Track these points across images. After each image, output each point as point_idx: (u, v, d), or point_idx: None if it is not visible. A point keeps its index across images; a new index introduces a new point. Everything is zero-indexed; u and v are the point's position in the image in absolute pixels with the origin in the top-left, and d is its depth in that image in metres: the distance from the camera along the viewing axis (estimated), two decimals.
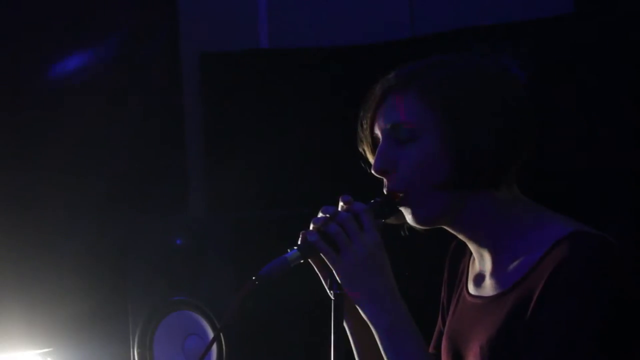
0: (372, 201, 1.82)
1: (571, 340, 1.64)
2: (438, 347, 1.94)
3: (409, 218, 1.81)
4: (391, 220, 1.84)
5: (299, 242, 1.79)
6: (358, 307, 1.80)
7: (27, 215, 3.43)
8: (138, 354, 3.19)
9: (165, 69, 3.78)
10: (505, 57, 1.82)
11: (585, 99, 3.25)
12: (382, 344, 1.79)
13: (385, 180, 1.82)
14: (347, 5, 4.05)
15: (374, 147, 1.85)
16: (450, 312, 1.93)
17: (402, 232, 1.86)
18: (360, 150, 1.89)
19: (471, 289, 1.87)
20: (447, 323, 1.92)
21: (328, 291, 1.82)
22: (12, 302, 3.33)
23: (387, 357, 1.79)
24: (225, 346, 3.01)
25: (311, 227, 1.80)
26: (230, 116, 3.88)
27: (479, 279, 1.85)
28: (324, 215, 1.81)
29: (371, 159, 1.85)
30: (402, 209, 1.81)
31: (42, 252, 3.42)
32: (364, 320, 1.81)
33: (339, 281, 1.79)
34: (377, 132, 1.83)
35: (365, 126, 1.85)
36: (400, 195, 1.80)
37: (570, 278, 1.65)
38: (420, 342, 1.81)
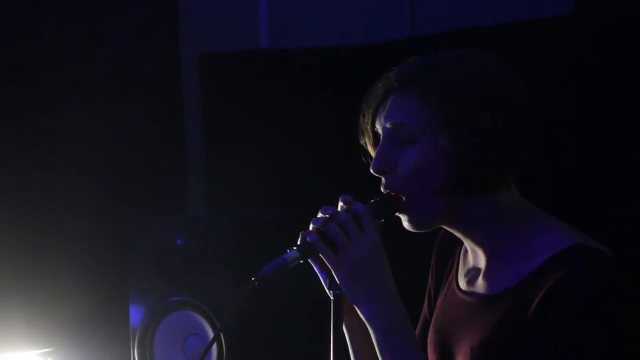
0: (372, 201, 1.82)
1: (569, 354, 1.64)
2: (423, 336, 1.93)
3: (405, 224, 1.81)
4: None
5: (298, 243, 1.79)
6: (356, 308, 1.80)
7: (27, 215, 3.43)
8: (138, 354, 3.19)
9: (165, 69, 3.78)
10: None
11: (586, 99, 3.25)
12: (378, 345, 1.79)
13: (383, 179, 1.82)
14: (347, 5, 4.05)
15: (374, 141, 1.85)
16: (438, 304, 1.92)
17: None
18: (362, 143, 1.88)
19: (462, 283, 1.87)
20: (434, 314, 1.92)
21: (327, 291, 1.82)
22: (12, 302, 3.33)
23: (383, 358, 1.79)
24: (225, 346, 3.01)
25: (310, 228, 1.80)
26: (230, 116, 3.88)
27: (471, 275, 1.85)
28: (323, 216, 1.81)
29: (372, 152, 1.85)
30: (400, 214, 1.81)
31: (42, 252, 3.42)
32: (362, 321, 1.81)
33: (338, 281, 1.79)
34: (378, 127, 1.83)
35: (366, 120, 1.85)
36: (401, 197, 1.79)
37: (569, 293, 1.65)
38: (416, 344, 1.81)
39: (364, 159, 1.88)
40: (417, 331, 1.97)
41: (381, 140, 1.81)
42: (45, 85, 3.50)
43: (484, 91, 1.75)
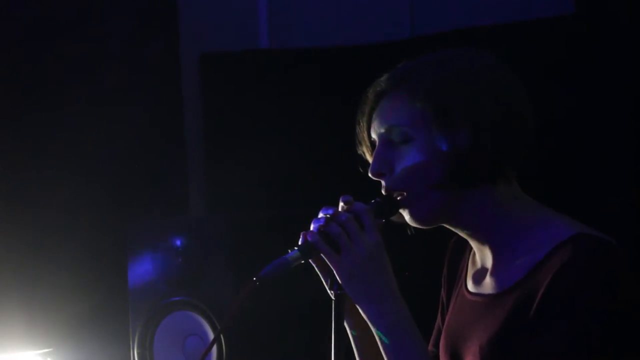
0: (373, 201, 1.83)
1: (574, 344, 1.64)
2: (437, 345, 1.94)
3: (407, 218, 1.82)
4: (396, 218, 1.85)
5: (299, 243, 1.80)
6: (358, 307, 1.80)
7: (27, 215, 3.43)
8: (138, 354, 3.19)
9: (165, 69, 3.78)
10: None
11: (585, 99, 3.25)
12: (381, 344, 1.79)
13: (382, 182, 1.83)
14: (347, 5, 4.05)
15: (372, 149, 1.86)
16: (450, 309, 1.93)
17: (408, 231, 1.86)
18: (360, 152, 1.90)
19: (470, 286, 1.87)
20: (445, 320, 1.92)
21: (329, 291, 1.82)
22: (12, 302, 3.33)
23: (387, 358, 1.79)
24: (225, 346, 3.01)
25: (312, 228, 1.81)
26: (230, 116, 3.88)
27: (479, 276, 1.85)
28: (324, 216, 1.81)
29: (371, 161, 1.86)
30: (401, 209, 1.81)
31: (42, 252, 3.42)
32: (365, 320, 1.81)
33: (340, 281, 1.79)
34: (374, 134, 1.84)
35: (362, 129, 1.86)
36: (399, 197, 1.80)
37: (572, 282, 1.66)
38: (420, 342, 1.81)
39: (361, 169, 1.89)
40: (432, 341, 1.98)
41: (377, 145, 1.82)
42: (45, 85, 3.50)
43: (473, 86, 1.76)
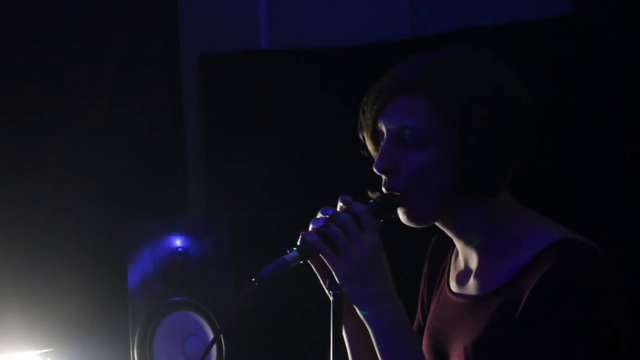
0: (371, 201, 1.82)
1: (557, 349, 1.64)
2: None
3: (402, 217, 1.81)
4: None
5: (298, 243, 1.79)
6: (356, 308, 1.80)
7: (27, 215, 3.43)
8: (138, 354, 3.19)
9: (165, 69, 3.78)
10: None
11: (585, 99, 3.25)
12: (378, 345, 1.79)
13: (384, 177, 1.81)
14: (347, 5, 4.05)
15: (374, 136, 1.83)
16: (432, 308, 1.93)
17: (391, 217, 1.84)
18: (360, 137, 1.87)
19: (453, 286, 1.87)
20: (428, 319, 1.92)
21: (327, 292, 1.82)
22: (12, 302, 3.33)
23: (383, 358, 1.79)
24: (225, 346, 3.02)
25: (310, 228, 1.80)
26: (230, 116, 3.88)
27: (463, 277, 1.85)
28: (323, 216, 1.80)
29: (370, 147, 1.85)
30: (398, 208, 1.81)
31: (42, 252, 3.42)
32: (361, 321, 1.81)
33: (338, 282, 1.79)
34: (381, 126, 1.81)
35: (368, 115, 1.82)
36: (397, 194, 1.80)
37: (556, 287, 1.66)
38: (417, 344, 1.81)
39: (362, 152, 1.87)
40: None
41: (385, 140, 1.80)
42: (45, 85, 3.50)
43: (495, 101, 1.74)
